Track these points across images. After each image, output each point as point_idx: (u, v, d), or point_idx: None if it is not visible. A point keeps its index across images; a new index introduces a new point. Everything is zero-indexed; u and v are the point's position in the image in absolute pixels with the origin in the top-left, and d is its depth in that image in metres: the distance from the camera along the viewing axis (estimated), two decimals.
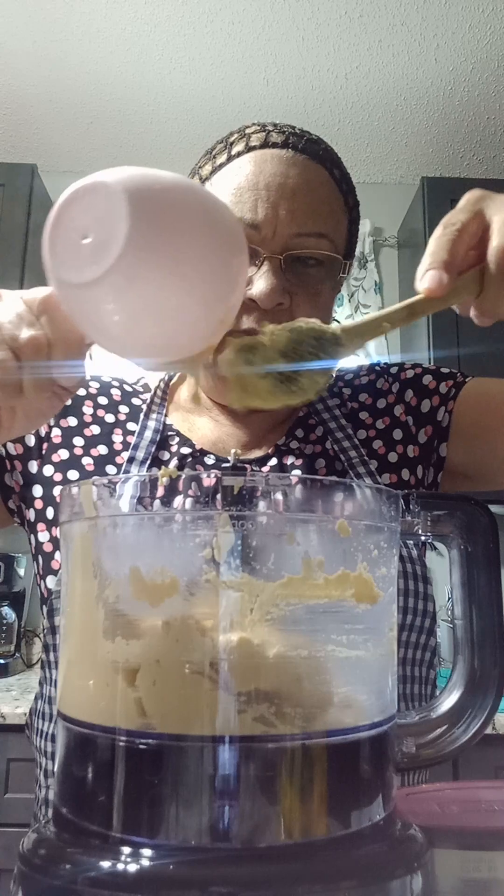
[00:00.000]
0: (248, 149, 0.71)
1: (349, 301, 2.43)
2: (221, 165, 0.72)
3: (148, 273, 0.39)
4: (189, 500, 0.35)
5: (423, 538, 0.43)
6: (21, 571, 2.14)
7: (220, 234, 0.43)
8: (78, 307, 0.43)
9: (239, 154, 0.71)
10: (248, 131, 0.73)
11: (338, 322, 0.81)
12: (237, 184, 0.68)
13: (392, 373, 0.83)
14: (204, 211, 0.43)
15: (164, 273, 0.40)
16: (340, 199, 0.73)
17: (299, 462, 0.74)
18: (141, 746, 0.33)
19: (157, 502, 0.36)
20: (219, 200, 0.45)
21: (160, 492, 0.35)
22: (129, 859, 0.31)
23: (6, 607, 2.07)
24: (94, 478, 0.73)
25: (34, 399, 0.47)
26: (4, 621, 2.05)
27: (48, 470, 0.75)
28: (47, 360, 0.45)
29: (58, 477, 0.74)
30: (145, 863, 0.31)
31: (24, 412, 0.50)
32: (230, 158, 0.71)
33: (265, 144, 0.70)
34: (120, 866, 0.31)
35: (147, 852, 0.31)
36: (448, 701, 0.42)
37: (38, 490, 0.75)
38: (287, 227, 0.66)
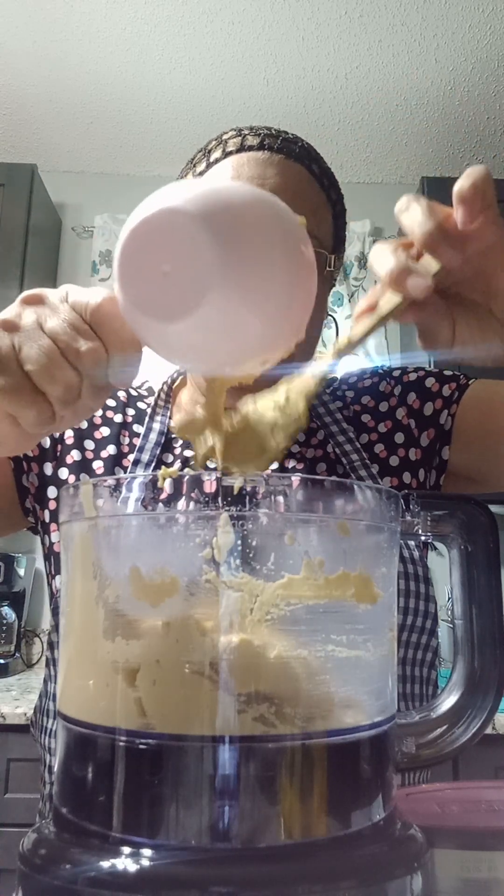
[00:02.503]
0: (225, 154, 0.71)
1: (349, 301, 2.43)
2: (202, 173, 0.73)
3: (236, 304, 0.37)
4: (190, 502, 0.35)
5: (423, 538, 0.43)
6: (21, 571, 2.14)
7: (295, 245, 0.40)
8: (155, 336, 0.40)
9: (217, 160, 0.72)
10: (224, 137, 0.74)
11: (333, 317, 0.81)
12: None
13: (395, 376, 0.83)
14: (280, 225, 0.40)
15: (251, 299, 0.38)
16: (322, 195, 0.73)
17: (300, 466, 0.74)
18: (141, 746, 0.33)
19: (158, 503, 0.36)
20: (284, 206, 0.41)
21: (161, 493, 0.35)
22: (129, 859, 0.31)
23: (6, 607, 2.07)
24: (94, 478, 0.74)
25: (89, 401, 0.45)
26: (4, 621, 2.05)
27: (63, 472, 0.76)
28: (106, 369, 0.43)
29: (71, 479, 0.76)
30: (145, 863, 0.31)
31: (74, 411, 0.49)
32: (209, 166, 0.72)
33: (241, 148, 0.71)
34: (120, 866, 0.31)
35: (147, 852, 0.31)
36: (448, 701, 0.42)
37: (52, 491, 0.77)
38: None
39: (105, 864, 0.31)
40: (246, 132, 0.72)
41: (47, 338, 0.42)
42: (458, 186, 0.42)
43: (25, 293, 0.45)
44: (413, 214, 0.42)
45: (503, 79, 2.10)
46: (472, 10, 1.87)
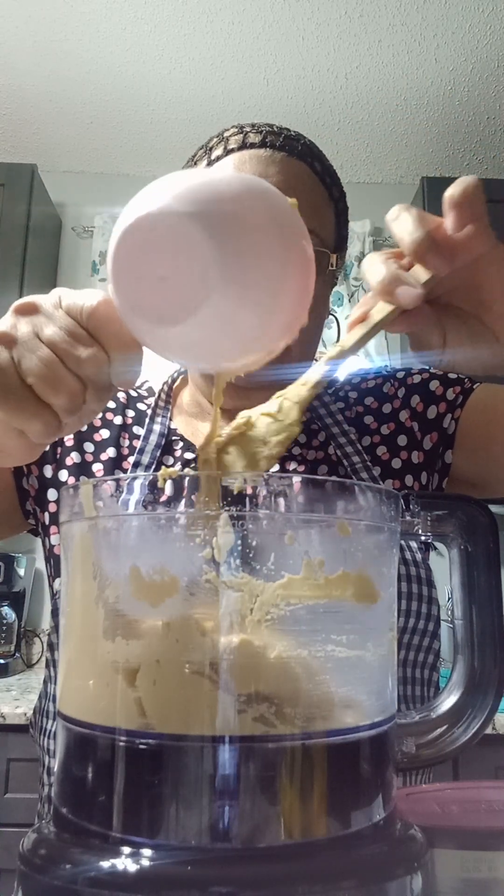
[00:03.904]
0: (227, 152, 0.71)
1: (349, 301, 2.43)
2: None
3: (235, 300, 0.37)
4: (190, 501, 0.35)
5: (423, 538, 0.43)
6: (21, 571, 2.14)
7: (290, 230, 0.39)
8: (154, 338, 0.40)
9: (218, 158, 0.71)
10: (226, 134, 0.73)
11: (335, 316, 0.81)
12: None
13: (399, 377, 0.83)
14: (273, 212, 0.39)
15: (250, 293, 0.37)
16: (324, 192, 0.73)
17: (302, 468, 0.74)
18: (141, 746, 0.33)
19: (158, 503, 0.36)
20: (274, 191, 0.40)
21: (161, 493, 0.35)
22: (129, 859, 0.31)
23: (6, 607, 2.07)
24: (94, 478, 0.74)
25: (94, 405, 0.45)
26: (4, 621, 2.05)
27: (63, 474, 0.76)
28: (108, 372, 0.43)
29: (71, 481, 0.75)
30: (145, 863, 0.31)
31: (80, 416, 0.48)
32: (210, 163, 0.72)
33: (243, 146, 0.71)
34: (120, 866, 0.31)
35: (147, 852, 0.31)
36: (448, 701, 0.42)
37: (52, 494, 0.76)
38: None
39: (105, 864, 0.31)
40: (248, 129, 0.72)
41: (46, 348, 0.42)
42: (449, 193, 0.42)
43: (17, 302, 0.44)
44: (403, 224, 0.42)
45: (503, 79, 2.10)
46: (472, 10, 1.87)
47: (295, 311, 0.41)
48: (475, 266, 0.43)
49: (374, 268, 0.43)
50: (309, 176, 0.71)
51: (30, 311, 0.44)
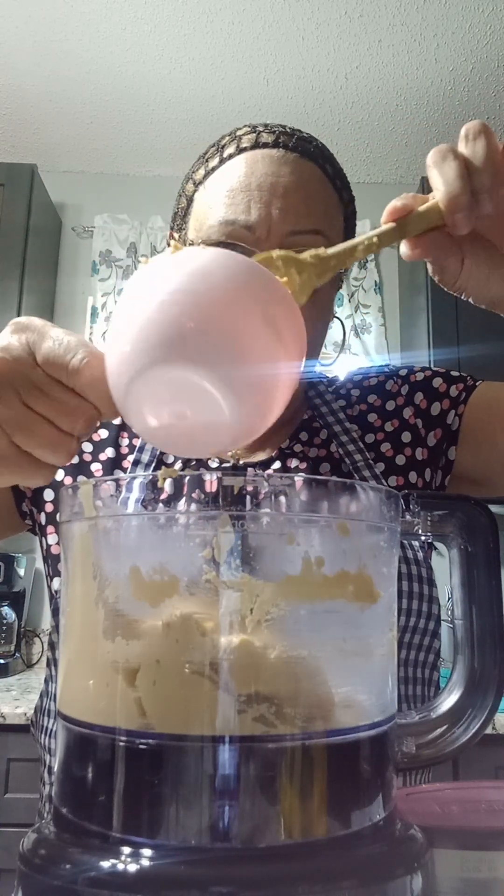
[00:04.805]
0: (240, 150, 0.71)
1: (349, 301, 2.43)
2: (214, 169, 0.72)
3: (245, 412, 0.39)
4: (190, 501, 0.35)
5: (423, 538, 0.43)
6: (21, 571, 2.14)
7: (295, 329, 0.41)
8: (158, 443, 0.43)
9: (230, 156, 0.71)
10: (238, 133, 0.73)
11: (339, 319, 0.81)
12: (230, 185, 0.69)
13: (401, 375, 0.83)
14: (266, 309, 0.39)
15: (258, 401, 0.39)
16: (334, 195, 0.73)
17: (303, 466, 0.74)
18: (141, 746, 0.33)
19: (158, 503, 0.36)
20: (263, 271, 0.40)
21: (161, 493, 0.35)
22: (129, 859, 0.31)
23: (6, 607, 2.07)
24: (93, 478, 0.74)
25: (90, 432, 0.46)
26: (4, 621, 2.05)
27: (59, 475, 0.76)
28: (96, 420, 0.43)
29: (68, 481, 0.75)
30: (145, 863, 0.31)
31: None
32: (222, 161, 0.72)
33: (256, 145, 0.71)
34: (120, 866, 0.31)
35: (147, 852, 0.31)
36: (448, 701, 0.42)
37: (48, 494, 0.76)
38: (281, 225, 0.66)
39: (105, 864, 0.31)
40: (260, 129, 0.72)
41: (41, 421, 0.42)
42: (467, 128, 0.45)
43: None
44: (445, 174, 0.45)
45: (503, 79, 2.10)
46: (472, 10, 1.87)
47: (293, 380, 0.42)
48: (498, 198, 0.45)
49: (447, 174, 0.45)
50: (320, 177, 0.71)
51: (4, 370, 0.42)
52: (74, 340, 0.42)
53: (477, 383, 0.80)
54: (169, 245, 0.79)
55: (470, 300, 0.51)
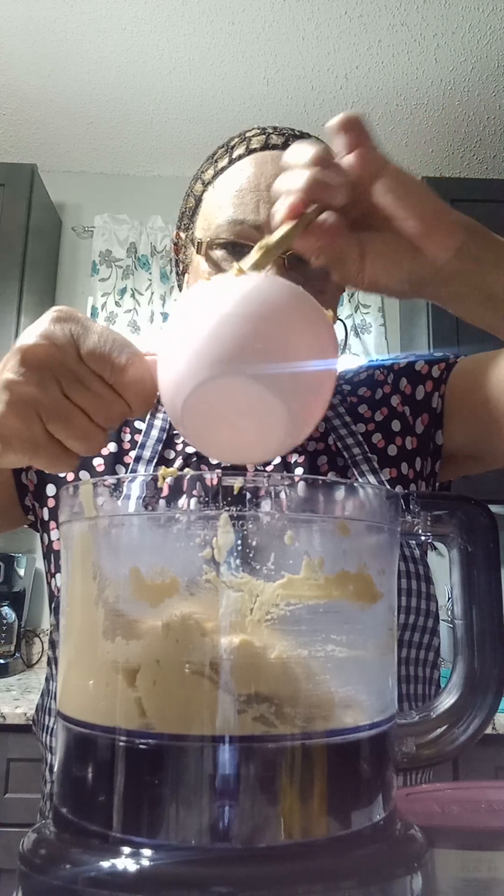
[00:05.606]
0: (249, 151, 0.72)
1: (349, 301, 2.43)
2: (223, 169, 0.72)
3: (292, 424, 0.40)
4: (191, 500, 0.35)
5: (423, 538, 0.43)
6: (21, 571, 2.14)
7: (331, 348, 0.43)
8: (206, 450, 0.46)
9: (240, 157, 0.72)
10: (248, 135, 0.74)
11: (339, 319, 0.81)
12: (239, 185, 0.69)
13: (387, 365, 0.85)
14: (315, 339, 0.41)
15: (303, 412, 0.41)
16: None
17: (301, 459, 0.74)
18: (141, 746, 0.33)
19: (159, 502, 0.36)
20: (312, 311, 0.42)
21: (163, 492, 0.35)
22: (129, 859, 0.31)
23: (6, 607, 2.07)
24: (94, 476, 0.74)
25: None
26: (4, 621, 2.05)
27: None
28: (127, 414, 0.45)
29: (70, 476, 0.75)
30: (145, 863, 0.31)
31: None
32: (231, 162, 0.72)
33: (265, 146, 0.71)
34: (120, 866, 0.31)
35: (147, 852, 0.31)
36: (448, 701, 0.42)
37: (51, 489, 0.76)
38: None
39: (105, 864, 0.31)
40: (270, 131, 0.73)
41: (77, 412, 0.43)
42: (330, 123, 0.47)
43: (27, 343, 0.43)
44: (295, 161, 0.47)
45: (503, 79, 2.10)
46: (472, 10, 1.87)
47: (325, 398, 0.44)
48: (374, 186, 0.46)
49: (297, 174, 0.46)
50: None
51: (47, 358, 0.43)
52: (120, 339, 0.44)
53: (457, 360, 0.81)
54: (175, 245, 0.80)
55: (384, 293, 0.51)
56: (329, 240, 0.46)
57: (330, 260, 0.48)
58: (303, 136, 0.73)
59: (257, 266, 0.44)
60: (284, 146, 0.70)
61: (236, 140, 0.74)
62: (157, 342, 0.42)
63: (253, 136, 0.73)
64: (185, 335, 0.39)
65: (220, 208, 0.70)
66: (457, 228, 0.47)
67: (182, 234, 0.78)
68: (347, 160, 0.46)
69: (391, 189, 0.46)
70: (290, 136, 0.72)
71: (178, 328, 0.40)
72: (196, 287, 0.42)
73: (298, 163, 0.46)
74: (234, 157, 0.72)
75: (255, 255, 0.45)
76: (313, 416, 0.42)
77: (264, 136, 0.72)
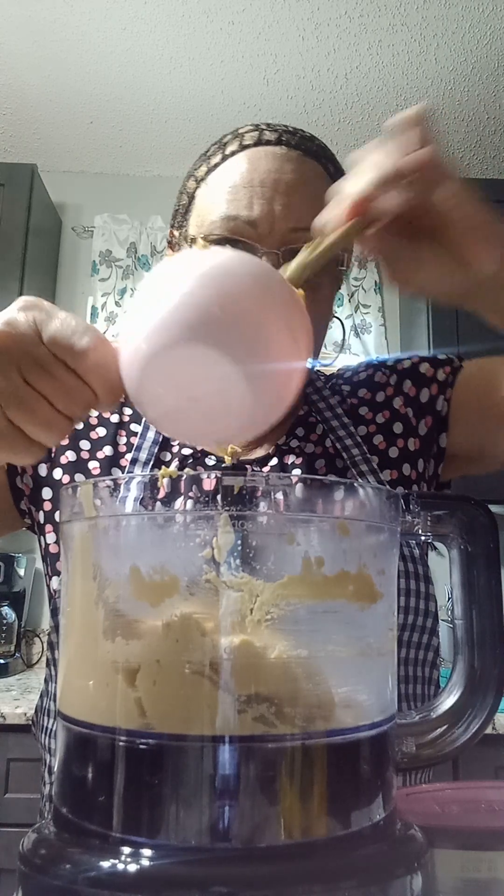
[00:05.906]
0: (242, 147, 0.71)
1: (349, 301, 2.43)
2: (216, 165, 0.72)
3: (253, 394, 0.40)
4: (189, 501, 0.35)
5: (423, 538, 0.43)
6: (21, 571, 2.14)
7: (299, 318, 0.42)
8: (166, 428, 0.45)
9: (233, 153, 0.72)
10: (241, 131, 0.74)
11: (339, 319, 0.82)
12: (232, 182, 0.69)
13: (389, 365, 0.84)
14: (278, 309, 0.41)
15: (270, 388, 0.41)
16: None
17: (300, 461, 0.74)
18: (141, 746, 0.33)
19: (157, 503, 0.36)
20: (273, 282, 0.42)
21: (161, 492, 0.35)
22: (129, 859, 0.31)
23: (6, 607, 2.07)
24: (91, 476, 0.74)
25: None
26: (4, 621, 2.05)
27: (57, 473, 0.76)
28: (93, 405, 0.45)
29: (66, 479, 0.75)
30: (145, 863, 0.31)
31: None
32: (224, 158, 0.72)
33: (259, 142, 0.71)
34: (120, 866, 0.31)
35: (147, 852, 0.31)
36: (448, 701, 0.42)
37: (47, 492, 0.76)
38: (283, 222, 0.66)
39: (105, 864, 0.31)
40: (263, 127, 0.73)
41: (36, 395, 0.43)
42: (407, 114, 0.48)
43: None
44: (368, 168, 0.47)
45: (503, 79, 2.10)
46: (472, 10, 1.87)
47: (300, 369, 0.43)
48: (435, 192, 0.46)
49: (364, 176, 0.46)
50: (322, 175, 0.71)
51: (7, 344, 0.43)
52: (82, 323, 0.43)
53: (463, 364, 0.81)
54: (169, 242, 0.79)
55: (429, 297, 0.52)
56: (386, 239, 0.47)
57: (384, 259, 0.49)
58: (296, 131, 0.73)
59: (306, 266, 0.46)
60: (277, 142, 0.70)
61: (229, 137, 0.74)
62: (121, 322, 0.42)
63: (246, 132, 0.73)
64: (144, 308, 0.39)
65: (213, 205, 0.69)
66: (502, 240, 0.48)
67: (176, 232, 0.78)
68: (415, 158, 0.46)
69: (448, 199, 0.46)
70: (283, 133, 0.71)
71: (139, 302, 0.40)
72: (160, 263, 0.42)
73: (365, 166, 0.47)
74: (227, 153, 0.72)
75: (303, 253, 0.46)
76: (279, 395, 0.41)
77: (257, 133, 0.72)
